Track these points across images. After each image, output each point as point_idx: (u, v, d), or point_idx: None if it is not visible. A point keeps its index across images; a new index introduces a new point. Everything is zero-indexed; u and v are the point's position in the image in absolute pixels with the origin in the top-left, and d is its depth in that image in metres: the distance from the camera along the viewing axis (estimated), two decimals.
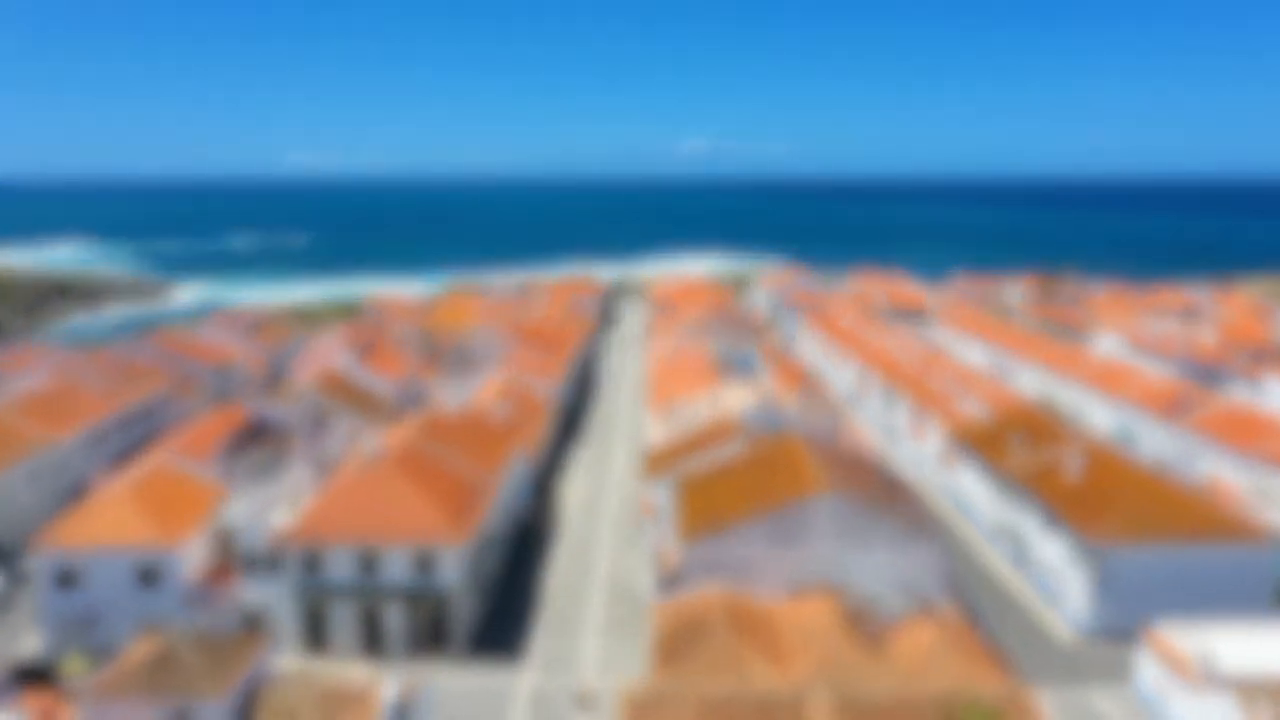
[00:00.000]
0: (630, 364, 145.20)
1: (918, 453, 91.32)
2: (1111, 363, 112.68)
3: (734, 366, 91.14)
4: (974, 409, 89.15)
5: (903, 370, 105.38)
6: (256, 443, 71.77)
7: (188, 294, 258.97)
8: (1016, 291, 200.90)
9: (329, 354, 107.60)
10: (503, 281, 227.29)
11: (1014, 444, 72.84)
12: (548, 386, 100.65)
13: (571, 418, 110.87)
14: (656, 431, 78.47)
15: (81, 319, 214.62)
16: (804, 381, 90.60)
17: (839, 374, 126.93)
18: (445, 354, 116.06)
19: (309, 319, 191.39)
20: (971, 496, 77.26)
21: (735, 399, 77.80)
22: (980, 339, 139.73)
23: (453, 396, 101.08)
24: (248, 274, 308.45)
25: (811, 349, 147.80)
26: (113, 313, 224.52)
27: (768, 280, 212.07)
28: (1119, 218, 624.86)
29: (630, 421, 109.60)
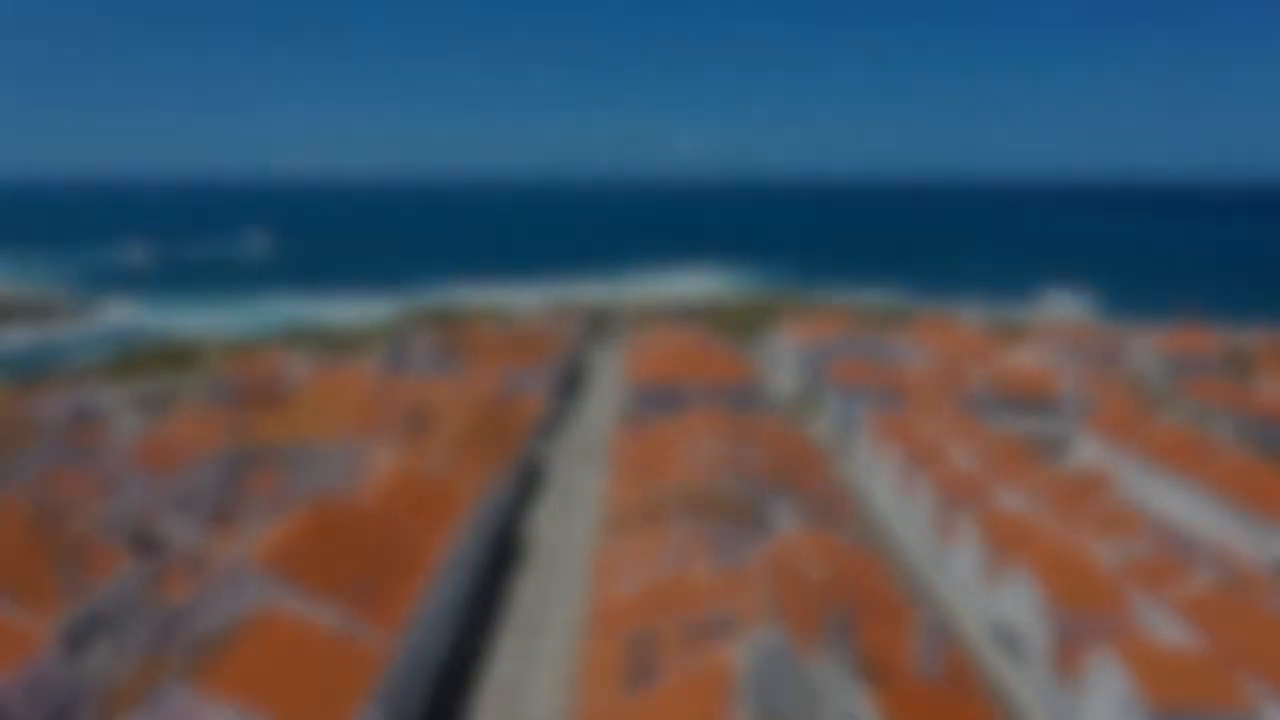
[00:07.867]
0: (591, 513, 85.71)
1: None
2: None
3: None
4: None
5: (1172, 656, 46.15)
6: None
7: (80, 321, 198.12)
8: (1148, 351, 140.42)
9: None
10: (437, 322, 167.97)
11: None
12: None
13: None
14: None
15: None
16: None
17: (974, 579, 67.81)
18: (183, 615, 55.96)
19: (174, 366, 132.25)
20: None
21: None
22: (1181, 479, 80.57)
23: None
24: (164, 293, 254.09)
25: (890, 494, 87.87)
26: None
27: (795, 329, 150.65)
28: (1188, 226, 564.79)
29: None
